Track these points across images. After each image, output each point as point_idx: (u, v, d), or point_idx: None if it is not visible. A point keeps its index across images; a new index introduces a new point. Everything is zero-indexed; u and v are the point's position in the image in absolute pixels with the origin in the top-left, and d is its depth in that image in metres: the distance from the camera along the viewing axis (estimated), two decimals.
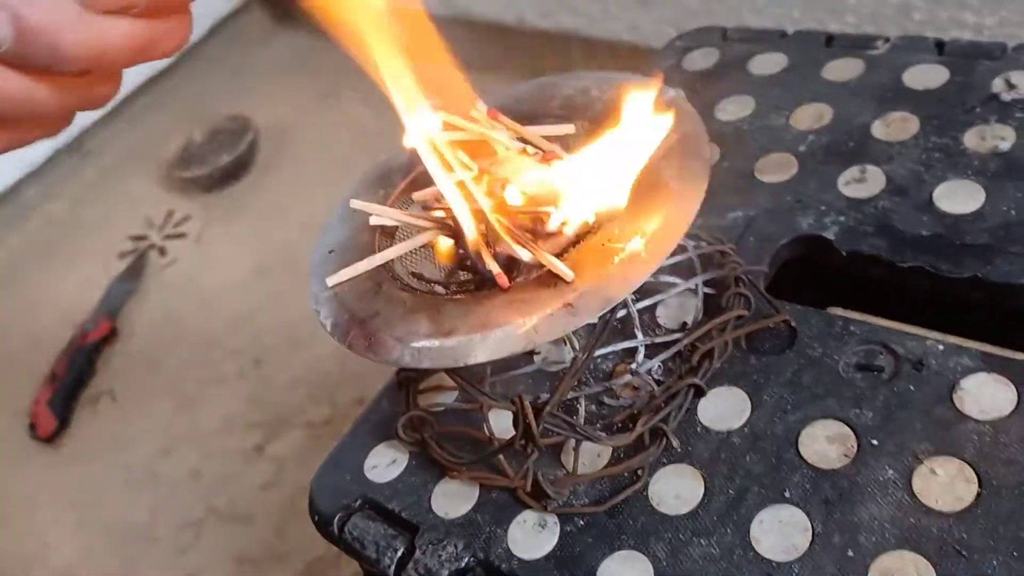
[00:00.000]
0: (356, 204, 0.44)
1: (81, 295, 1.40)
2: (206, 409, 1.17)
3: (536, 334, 0.37)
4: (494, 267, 0.39)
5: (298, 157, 1.54)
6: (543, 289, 0.39)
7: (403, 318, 0.40)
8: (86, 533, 1.10)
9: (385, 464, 0.50)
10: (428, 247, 0.46)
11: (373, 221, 0.44)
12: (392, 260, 0.44)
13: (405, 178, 0.48)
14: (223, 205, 1.52)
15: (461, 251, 0.45)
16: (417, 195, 0.46)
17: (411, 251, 0.45)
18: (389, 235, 0.45)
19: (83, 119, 1.63)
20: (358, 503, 0.49)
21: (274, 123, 1.59)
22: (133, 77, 1.69)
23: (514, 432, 0.43)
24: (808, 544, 0.39)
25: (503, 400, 0.42)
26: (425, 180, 0.47)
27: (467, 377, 0.43)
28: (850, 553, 0.38)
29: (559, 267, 0.38)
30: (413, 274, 0.44)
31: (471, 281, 0.43)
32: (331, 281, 0.43)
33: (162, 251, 1.47)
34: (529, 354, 0.52)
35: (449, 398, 0.52)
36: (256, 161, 1.56)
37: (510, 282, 0.40)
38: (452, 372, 0.43)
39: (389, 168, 0.49)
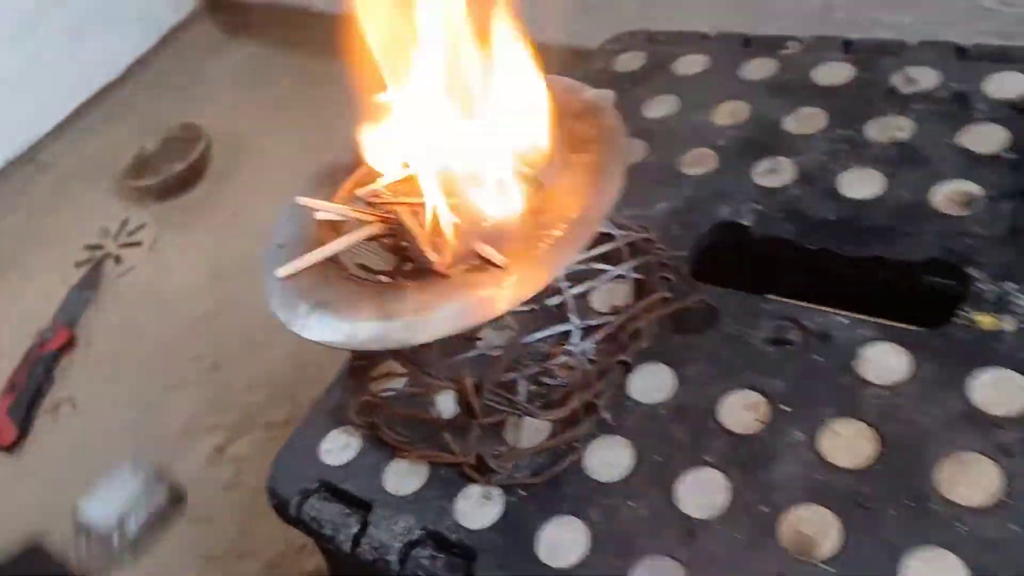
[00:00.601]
0: (303, 200, 0.47)
1: (39, 305, 1.41)
2: (167, 413, 1.19)
3: (472, 316, 0.40)
4: (433, 256, 0.42)
5: (251, 165, 1.55)
6: (479, 275, 0.42)
7: (349, 305, 0.43)
8: (50, 540, 1.11)
9: (339, 448, 0.53)
10: (372, 240, 0.49)
11: (319, 216, 0.47)
12: (339, 253, 0.46)
13: (349, 177, 0.51)
14: (177, 213, 1.53)
15: (403, 243, 0.48)
16: (361, 192, 0.49)
17: (357, 245, 0.48)
18: (336, 230, 0.48)
19: (37, 130, 1.64)
20: (315, 486, 0.52)
21: (227, 132, 1.61)
22: (85, 88, 1.70)
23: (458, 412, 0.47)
24: (727, 502, 0.43)
25: (446, 380, 0.46)
26: (368, 179, 0.50)
27: (414, 361, 0.46)
28: (764, 508, 0.42)
29: (493, 255, 0.42)
30: (359, 265, 0.47)
31: (413, 271, 0.46)
32: (281, 273, 0.46)
33: (118, 259, 1.48)
34: (472, 340, 0.55)
35: (399, 384, 0.55)
36: (209, 169, 1.57)
37: (448, 271, 0.43)
38: (399, 356, 0.46)
39: (334, 168, 0.52)
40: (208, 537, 1.05)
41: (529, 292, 0.40)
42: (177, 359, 1.27)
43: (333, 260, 0.47)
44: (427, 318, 0.41)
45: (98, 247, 1.51)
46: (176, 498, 0.35)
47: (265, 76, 1.69)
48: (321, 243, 0.47)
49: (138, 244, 1.50)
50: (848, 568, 0.39)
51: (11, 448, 1.20)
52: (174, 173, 1.53)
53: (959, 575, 0.37)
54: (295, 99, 1.59)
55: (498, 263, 0.41)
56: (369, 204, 0.48)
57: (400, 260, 0.50)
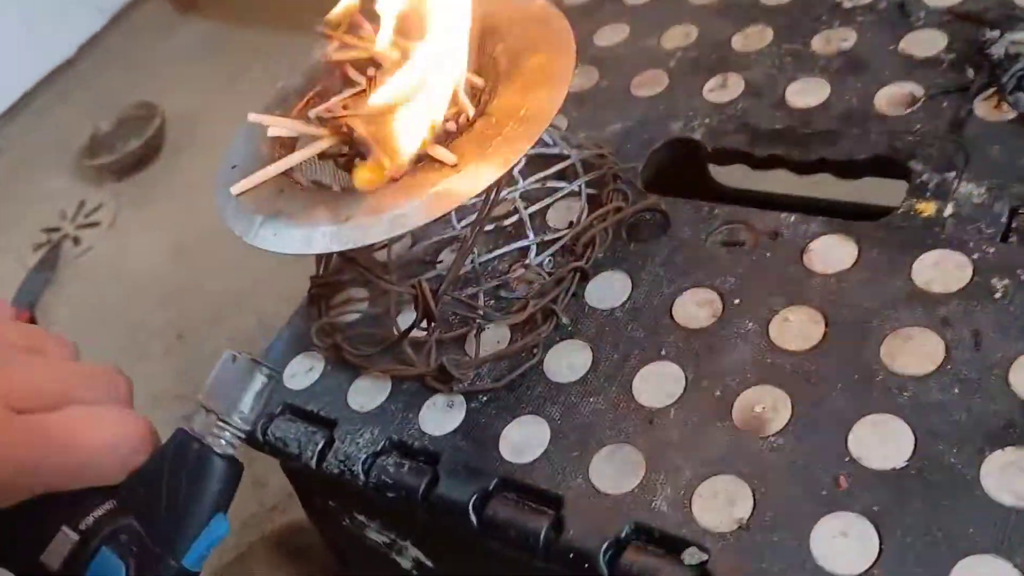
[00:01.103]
0: (255, 117, 0.47)
1: None
2: (134, 384, 1.18)
3: (427, 211, 0.41)
4: (385, 160, 0.43)
5: (208, 141, 1.54)
6: (430, 174, 0.42)
7: (304, 212, 0.43)
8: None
9: (303, 372, 0.54)
10: (324, 159, 0.50)
11: (271, 132, 0.47)
12: (292, 169, 0.47)
13: (301, 99, 0.51)
14: (135, 191, 1.52)
15: (355, 158, 0.49)
16: (313, 111, 0.49)
17: (310, 160, 0.48)
18: (288, 148, 0.49)
19: None
20: (278, 409, 0.52)
21: (182, 109, 1.59)
22: (37, 70, 1.67)
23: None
24: (682, 390, 0.44)
25: (403, 285, 0.46)
26: (319, 100, 0.51)
27: (369, 265, 0.47)
28: (717, 393, 0.43)
29: (443, 153, 0.42)
30: (313, 182, 0.48)
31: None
32: (235, 190, 0.46)
33: (76, 240, 1.46)
34: (432, 263, 0.56)
35: (359, 309, 0.56)
36: (165, 146, 1.56)
37: (401, 176, 0.43)
38: (356, 262, 0.46)
39: (286, 92, 0.52)
40: None
41: (481, 185, 0.41)
42: (142, 332, 1.27)
43: (287, 176, 0.47)
44: (382, 217, 0.41)
45: (55, 229, 1.49)
46: (272, 376, 0.39)
47: (217, 52, 1.68)
48: (274, 161, 0.48)
49: (96, 224, 1.48)
50: (799, 440, 0.40)
51: None
52: (130, 151, 1.52)
53: (905, 436, 0.39)
54: (247, 74, 1.58)
55: (449, 162, 0.42)
56: (320, 120, 0.48)
57: (351, 174, 0.50)
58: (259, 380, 0.40)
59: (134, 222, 1.46)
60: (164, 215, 1.45)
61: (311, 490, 0.57)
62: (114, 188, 1.52)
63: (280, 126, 0.47)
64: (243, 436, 0.40)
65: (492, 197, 0.45)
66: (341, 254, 0.49)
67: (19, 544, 0.38)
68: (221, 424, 0.40)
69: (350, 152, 0.48)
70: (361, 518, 0.55)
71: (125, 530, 0.38)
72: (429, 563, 0.54)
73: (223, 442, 0.39)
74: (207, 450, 0.39)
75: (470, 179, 0.41)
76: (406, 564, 0.56)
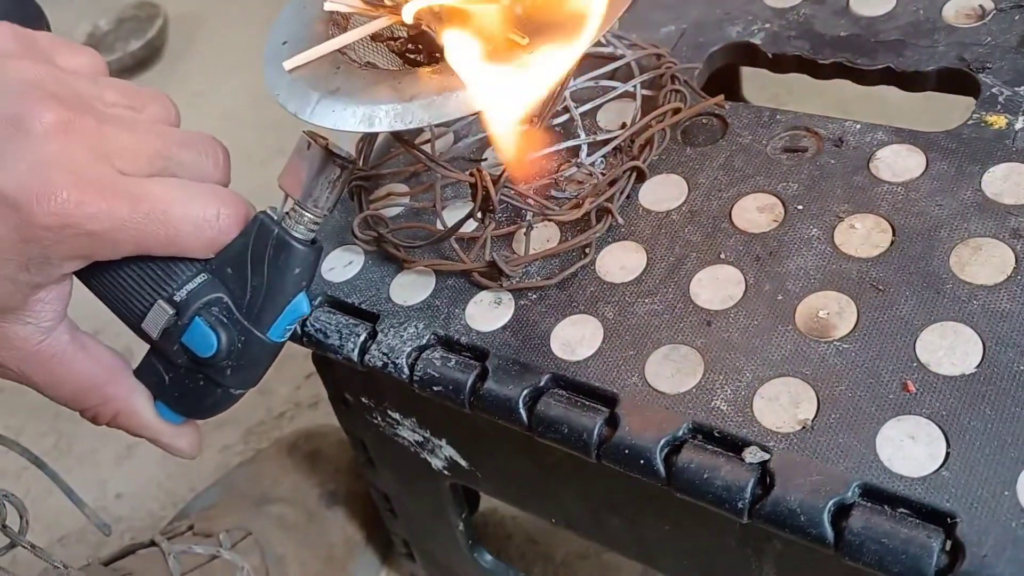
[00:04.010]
0: None
1: None
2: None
3: (495, 92, 0.39)
4: (450, 38, 0.41)
5: (210, 43, 1.49)
6: (500, 56, 0.41)
7: (365, 90, 0.42)
8: (16, 416, 1.09)
9: (342, 265, 0.52)
10: (377, 42, 0.48)
11: (328, 6, 0.45)
12: (347, 47, 0.45)
13: None
14: None
15: (411, 44, 0.47)
16: None
17: (362, 42, 0.46)
18: (341, 27, 0.47)
19: None
20: (318, 300, 0.51)
21: (183, 10, 1.54)
22: None
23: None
24: (742, 293, 0.43)
25: (459, 171, 0.45)
26: None
27: (423, 150, 0.45)
28: (779, 297, 0.43)
29: (514, 36, 0.40)
30: (368, 63, 0.46)
31: (426, 63, 0.45)
32: (288, 65, 0.44)
33: None
34: (476, 161, 0.54)
35: (398, 208, 0.54)
36: (167, 49, 1.51)
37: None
38: (411, 145, 0.45)
39: None
40: None
41: (555, 70, 0.39)
42: None
43: (341, 53, 0.45)
44: (449, 97, 0.40)
45: None
46: (345, 166, 0.40)
47: None
48: (326, 39, 0.46)
49: None
50: (865, 344, 0.40)
51: None
52: (130, 52, 1.47)
53: (974, 344, 0.38)
54: None
55: (520, 42, 0.40)
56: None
57: (405, 64, 0.48)
58: (332, 169, 0.40)
59: None
60: None
61: (342, 386, 0.56)
62: None
63: (338, 0, 0.45)
64: (319, 222, 0.41)
65: (563, 82, 0.44)
66: (397, 139, 0.47)
67: (123, 304, 0.42)
68: (298, 209, 0.41)
69: (411, 36, 0.46)
70: (395, 415, 0.54)
71: (216, 303, 0.41)
72: (463, 463, 0.54)
73: (301, 227, 0.41)
74: (286, 234, 0.41)
75: (543, 62, 0.40)
76: (437, 464, 0.55)
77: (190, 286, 0.41)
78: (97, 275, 0.42)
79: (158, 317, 0.42)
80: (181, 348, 0.42)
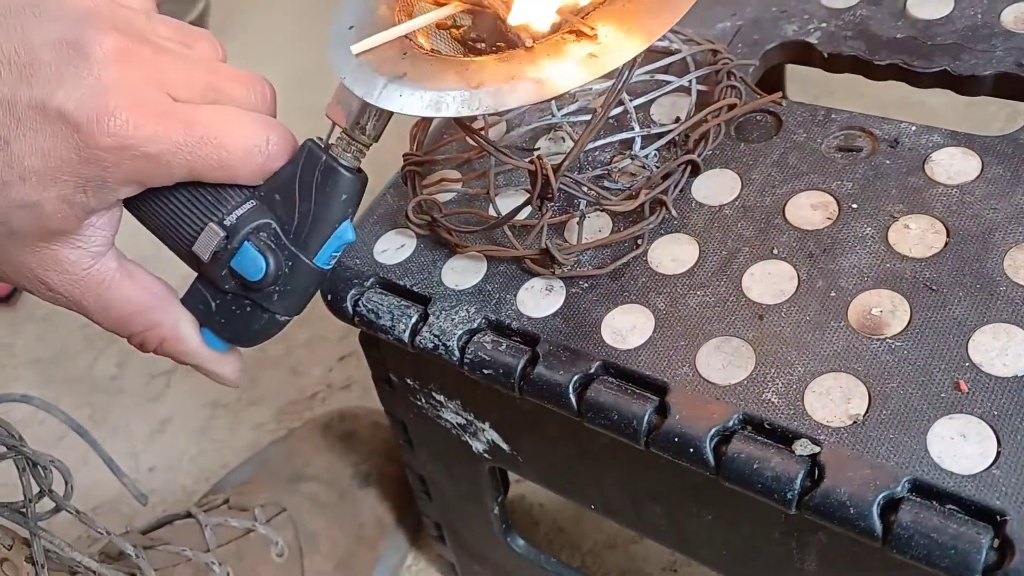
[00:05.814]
0: None
1: None
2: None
3: (563, 81, 0.40)
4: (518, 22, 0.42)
5: (251, 26, 1.51)
6: (567, 45, 0.41)
7: (432, 76, 0.42)
8: (51, 387, 1.10)
9: (394, 248, 0.53)
10: (441, 29, 0.48)
11: None
12: (414, 33, 0.46)
13: None
14: None
15: (474, 33, 0.48)
16: None
17: (428, 28, 0.47)
18: (407, 13, 0.47)
19: None
20: (370, 282, 0.52)
21: None
22: None
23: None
24: (795, 289, 0.44)
25: (519, 159, 0.45)
26: None
27: (485, 136, 0.46)
28: (832, 294, 0.43)
29: (581, 25, 0.41)
30: (433, 50, 0.47)
31: (492, 52, 0.46)
32: (356, 49, 0.45)
33: None
34: (528, 151, 0.55)
35: (451, 194, 0.55)
36: (208, 30, 1.53)
37: (534, 43, 0.42)
38: (472, 131, 0.46)
39: None
40: (216, 386, 1.06)
41: (624, 56, 0.40)
42: None
43: (408, 39, 0.46)
44: (516, 85, 0.40)
45: None
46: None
47: None
48: (393, 24, 0.46)
49: None
50: (918, 343, 0.40)
51: (7, 299, 1.18)
52: None
53: None
54: None
55: (588, 32, 0.41)
56: None
57: (468, 52, 0.49)
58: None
59: None
60: None
61: (387, 366, 0.57)
62: None
63: None
64: (365, 150, 0.43)
65: (627, 73, 0.44)
66: (460, 125, 0.48)
67: (173, 230, 0.43)
68: (344, 138, 0.43)
69: (473, 23, 0.46)
70: (440, 397, 0.55)
71: (264, 228, 0.43)
72: (505, 446, 0.54)
73: (348, 155, 0.43)
74: (333, 161, 0.42)
75: (611, 49, 0.40)
76: (479, 447, 0.56)
77: (239, 211, 0.42)
78: (148, 202, 0.43)
79: (209, 239, 0.42)
80: (230, 272, 0.43)
